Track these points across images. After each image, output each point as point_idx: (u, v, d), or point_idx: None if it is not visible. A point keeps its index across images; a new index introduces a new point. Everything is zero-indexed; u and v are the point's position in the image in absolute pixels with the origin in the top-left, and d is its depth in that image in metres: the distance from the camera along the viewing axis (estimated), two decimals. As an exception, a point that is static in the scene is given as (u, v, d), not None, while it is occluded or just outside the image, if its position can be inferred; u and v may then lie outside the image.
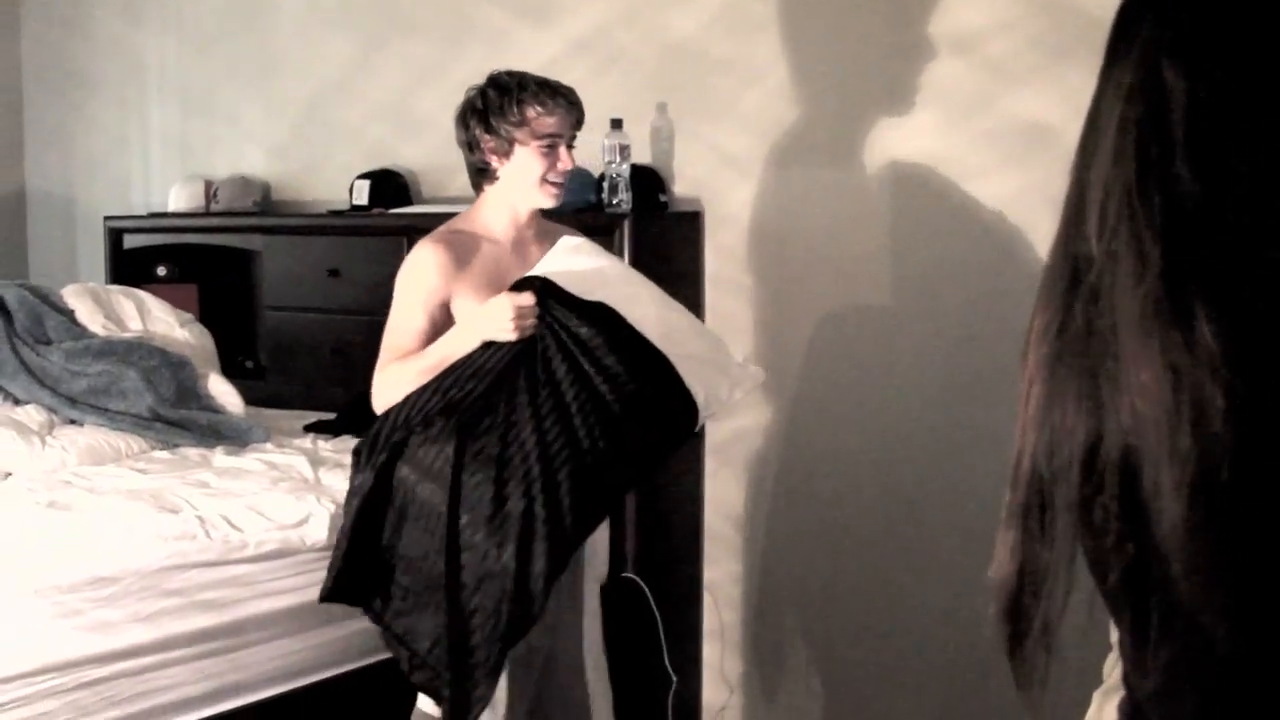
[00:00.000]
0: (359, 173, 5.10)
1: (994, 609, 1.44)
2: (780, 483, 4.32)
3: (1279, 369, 1.21)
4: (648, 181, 4.27)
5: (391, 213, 4.89)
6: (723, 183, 4.32)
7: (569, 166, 3.29)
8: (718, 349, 3.37)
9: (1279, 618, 1.25)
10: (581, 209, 4.24)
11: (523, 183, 3.27)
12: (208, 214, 5.55)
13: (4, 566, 3.20)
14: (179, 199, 5.65)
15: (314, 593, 3.48)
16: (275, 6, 5.63)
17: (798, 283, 4.20)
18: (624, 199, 4.13)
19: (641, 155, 4.31)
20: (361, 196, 5.02)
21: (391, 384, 3.21)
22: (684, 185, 4.39)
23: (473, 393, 3.08)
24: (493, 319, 3.09)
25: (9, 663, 3.01)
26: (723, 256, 4.33)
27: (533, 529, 2.94)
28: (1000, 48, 3.79)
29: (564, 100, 3.27)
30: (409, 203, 5.03)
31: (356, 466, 3.21)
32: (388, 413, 3.18)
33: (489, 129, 3.24)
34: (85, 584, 3.19)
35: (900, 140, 3.99)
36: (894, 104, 3.98)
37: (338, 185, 5.20)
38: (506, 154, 3.25)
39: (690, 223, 4.34)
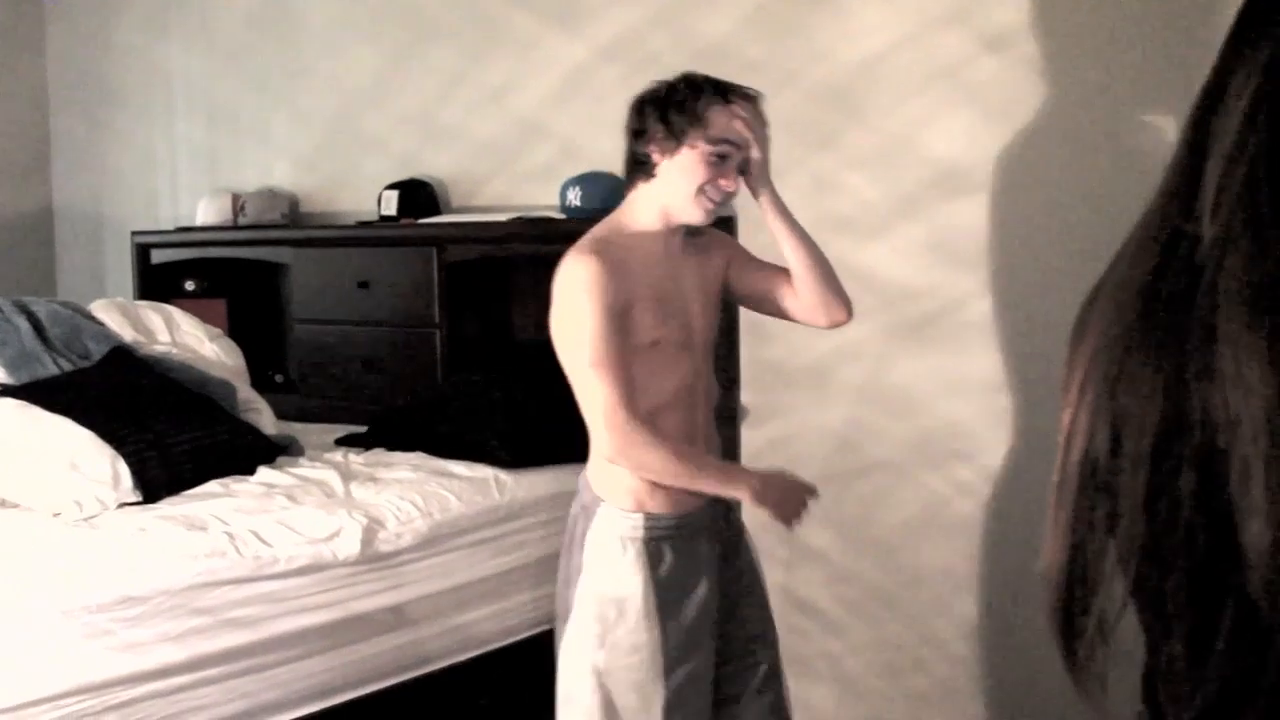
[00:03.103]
0: (387, 183, 5.06)
1: (1046, 606, 1.36)
2: (824, 490, 4.24)
3: None
4: (680, 187, 4.21)
5: (421, 223, 4.85)
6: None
7: (731, 189, 3.03)
8: None
9: None
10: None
11: (679, 187, 2.98)
12: (235, 227, 5.51)
13: (33, 587, 3.15)
14: (206, 213, 5.62)
15: (347, 608, 3.43)
16: (301, 17, 5.59)
17: (833, 287, 4.13)
18: (656, 205, 4.06)
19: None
20: (390, 207, 4.98)
21: (653, 457, 2.92)
22: (717, 190, 4.32)
23: None
24: (785, 501, 3.01)
25: (39, 685, 2.96)
26: (757, 262, 4.26)
27: None
28: (1036, 46, 3.72)
29: (752, 109, 3.04)
30: (438, 212, 4.98)
31: None
32: None
33: (663, 118, 2.97)
34: (114, 604, 3.13)
35: (937, 141, 3.92)
36: (930, 103, 3.92)
37: (366, 196, 5.16)
38: (672, 152, 2.98)
39: (724, 229, 4.26)
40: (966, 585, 3.96)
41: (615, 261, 2.94)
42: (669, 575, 2.97)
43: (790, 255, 3.13)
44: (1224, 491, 1.17)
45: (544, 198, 4.55)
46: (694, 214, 3.01)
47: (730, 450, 4.29)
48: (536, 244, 4.45)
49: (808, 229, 4.01)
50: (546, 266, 4.58)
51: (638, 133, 3.03)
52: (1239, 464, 1.15)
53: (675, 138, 2.97)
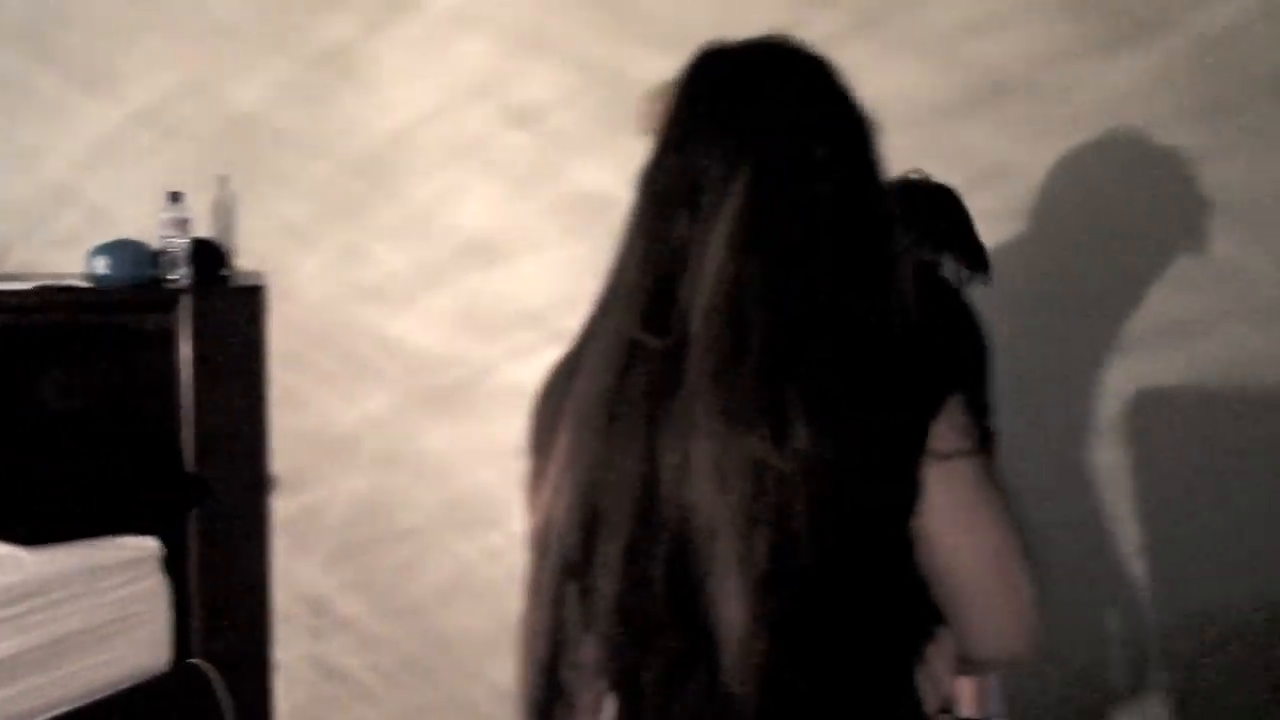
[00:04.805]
0: (-101, 248, 4.83)
1: (521, 684, 1.40)
2: (355, 557, 4.25)
3: (866, 479, 1.19)
4: (209, 255, 4.17)
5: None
6: (288, 256, 4.25)
7: None
8: None
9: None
10: (138, 284, 4.11)
11: None
12: None
13: None
14: None
15: None
16: None
17: (365, 357, 4.17)
18: (183, 273, 4.02)
19: (204, 230, 4.21)
20: (-96, 273, 4.76)
21: None
22: (248, 259, 4.30)
23: None
24: None
25: None
26: (289, 331, 4.26)
27: None
28: (562, 120, 3.86)
29: None
30: (-43, 279, 4.78)
31: None
32: None
33: None
34: None
35: (462, 212, 4.01)
36: (457, 175, 4.01)
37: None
38: None
39: (252, 297, 4.26)
40: (496, 649, 4.03)
41: None
42: None
43: None
44: (697, 580, 1.25)
45: (71, 265, 4.42)
46: None
47: (260, 520, 4.27)
48: (64, 313, 4.32)
49: (336, 298, 4.06)
50: (74, 336, 4.47)
51: None
52: (720, 554, 1.23)
53: None
